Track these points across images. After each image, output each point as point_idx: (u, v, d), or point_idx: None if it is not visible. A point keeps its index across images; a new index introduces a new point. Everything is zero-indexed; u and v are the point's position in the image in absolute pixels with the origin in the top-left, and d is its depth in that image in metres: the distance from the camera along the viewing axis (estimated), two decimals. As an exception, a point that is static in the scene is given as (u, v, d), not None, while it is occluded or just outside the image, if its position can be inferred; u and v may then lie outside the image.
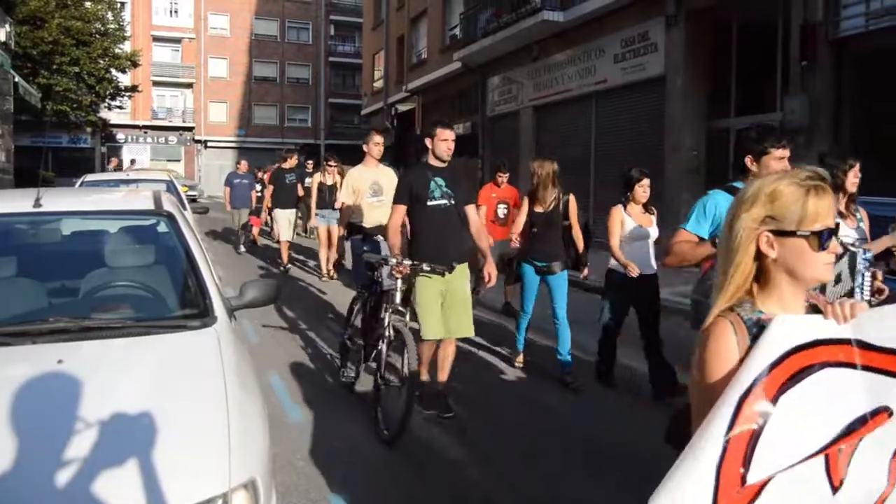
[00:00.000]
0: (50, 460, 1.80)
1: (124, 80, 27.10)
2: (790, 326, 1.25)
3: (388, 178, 6.00)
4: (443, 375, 4.52)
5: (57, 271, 3.22)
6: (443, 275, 4.28)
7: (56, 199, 3.37)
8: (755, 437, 1.17)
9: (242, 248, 12.83)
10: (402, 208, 4.42)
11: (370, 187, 6.02)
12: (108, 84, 24.75)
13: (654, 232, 5.01)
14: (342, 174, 8.73)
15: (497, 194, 7.58)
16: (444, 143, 4.38)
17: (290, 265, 10.75)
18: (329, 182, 9.88)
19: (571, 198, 5.52)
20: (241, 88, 40.60)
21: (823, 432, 1.21)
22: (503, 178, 7.56)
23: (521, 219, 5.44)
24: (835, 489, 1.23)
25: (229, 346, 2.50)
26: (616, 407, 4.81)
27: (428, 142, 4.43)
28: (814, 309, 1.39)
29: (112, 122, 33.11)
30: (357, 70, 37.11)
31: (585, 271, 5.77)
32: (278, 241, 11.11)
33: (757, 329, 1.30)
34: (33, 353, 2.32)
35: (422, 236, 4.42)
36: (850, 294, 3.17)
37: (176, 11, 39.73)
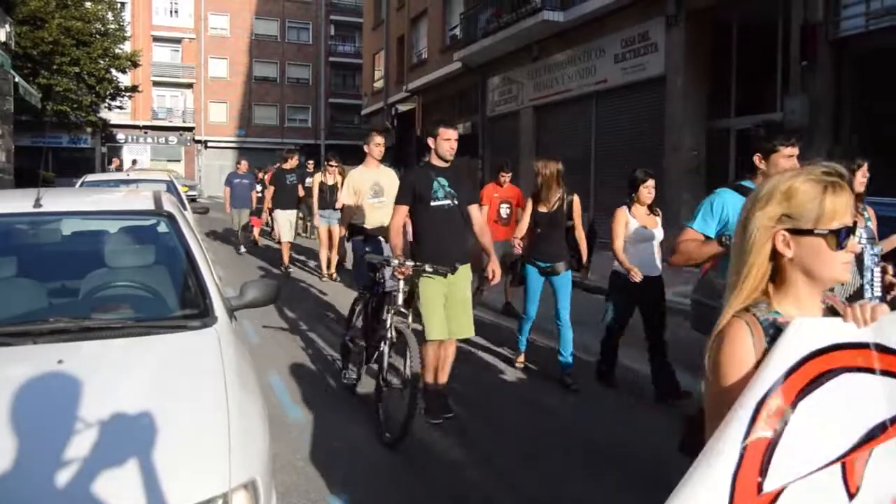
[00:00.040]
0: (50, 460, 1.80)
1: (124, 80, 27.06)
2: (808, 330, 1.20)
3: (390, 179, 5.99)
4: (443, 376, 4.49)
5: (57, 271, 3.22)
6: (445, 276, 4.26)
7: (56, 200, 3.37)
8: (773, 444, 1.13)
9: (243, 249, 12.83)
10: (405, 209, 4.38)
11: (371, 188, 6.01)
12: (108, 84, 24.72)
13: (658, 233, 4.96)
14: (343, 174, 8.75)
15: (500, 194, 7.55)
16: (447, 142, 4.34)
17: (291, 266, 10.75)
18: (330, 182, 9.90)
19: (576, 198, 5.47)
20: (241, 88, 40.59)
21: (842, 440, 1.17)
22: (506, 177, 7.52)
23: (525, 220, 5.42)
24: (851, 496, 1.20)
25: (229, 346, 2.50)
26: (616, 408, 4.80)
27: (430, 141, 4.38)
28: (830, 310, 1.36)
29: (112, 122, 33.12)
30: (357, 70, 37.09)
31: (585, 273, 5.74)
32: (279, 242, 11.11)
33: (774, 330, 1.26)
34: (33, 353, 2.32)
35: (424, 237, 4.38)
36: (860, 291, 3.15)
37: (176, 11, 39.73)
